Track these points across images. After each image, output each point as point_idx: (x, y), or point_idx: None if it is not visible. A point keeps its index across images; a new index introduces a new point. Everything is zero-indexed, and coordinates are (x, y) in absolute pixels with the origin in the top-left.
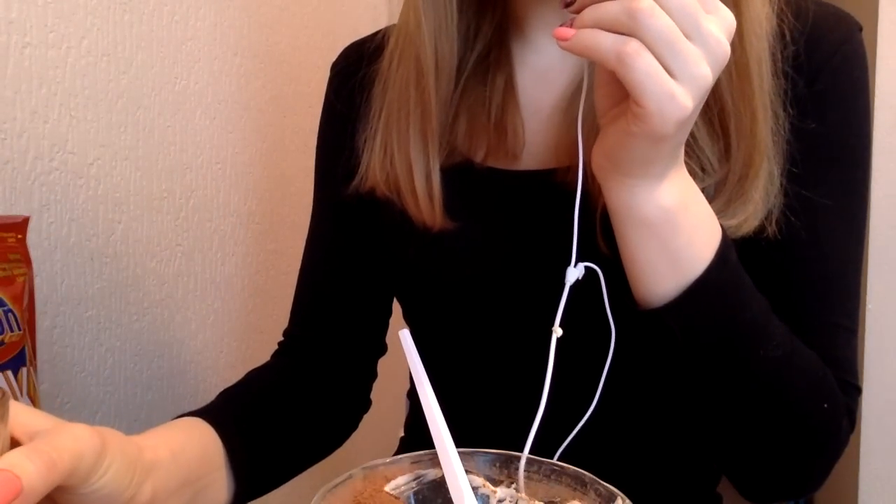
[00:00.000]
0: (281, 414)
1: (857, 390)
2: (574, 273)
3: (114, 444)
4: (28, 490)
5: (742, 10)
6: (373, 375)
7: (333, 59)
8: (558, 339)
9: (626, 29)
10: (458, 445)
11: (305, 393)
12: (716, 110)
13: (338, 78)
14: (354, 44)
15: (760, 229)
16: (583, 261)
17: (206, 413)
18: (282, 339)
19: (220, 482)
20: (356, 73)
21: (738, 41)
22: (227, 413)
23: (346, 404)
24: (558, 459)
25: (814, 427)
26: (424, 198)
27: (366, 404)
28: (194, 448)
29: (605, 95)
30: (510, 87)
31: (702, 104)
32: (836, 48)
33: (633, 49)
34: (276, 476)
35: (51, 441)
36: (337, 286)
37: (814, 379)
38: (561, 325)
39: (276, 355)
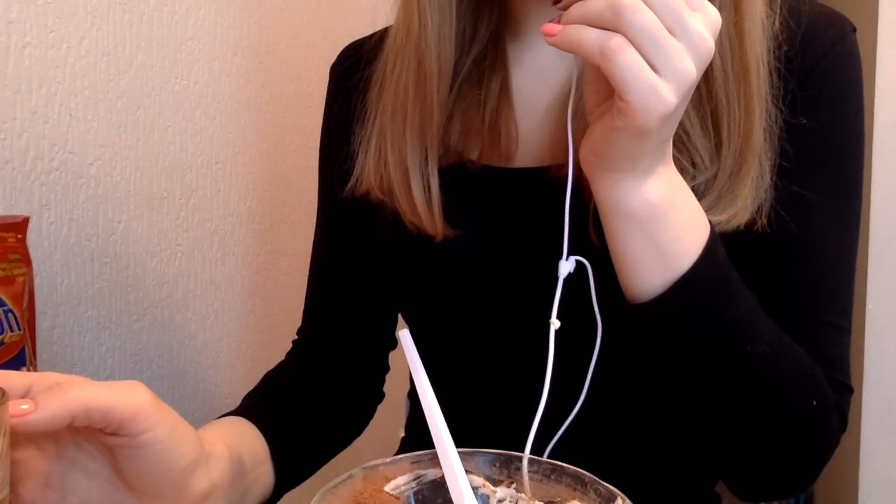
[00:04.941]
0: (306, 409)
1: (849, 389)
2: (566, 266)
3: (166, 410)
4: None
5: (743, 11)
6: (385, 368)
7: (333, 59)
8: (556, 333)
9: (610, 24)
10: (458, 445)
11: (323, 388)
12: (709, 108)
13: (336, 79)
14: (352, 45)
15: (751, 222)
16: (576, 255)
17: (242, 413)
18: (295, 337)
19: (266, 476)
20: (353, 74)
21: (738, 41)
22: (261, 412)
23: (362, 397)
24: (551, 453)
25: (802, 425)
26: (423, 205)
27: (380, 395)
28: (244, 444)
29: (593, 91)
30: (505, 90)
31: (687, 100)
32: (829, 48)
33: (617, 44)
34: (309, 467)
35: (76, 387)
36: (342, 286)
37: (802, 377)
38: (557, 319)
39: (290, 354)
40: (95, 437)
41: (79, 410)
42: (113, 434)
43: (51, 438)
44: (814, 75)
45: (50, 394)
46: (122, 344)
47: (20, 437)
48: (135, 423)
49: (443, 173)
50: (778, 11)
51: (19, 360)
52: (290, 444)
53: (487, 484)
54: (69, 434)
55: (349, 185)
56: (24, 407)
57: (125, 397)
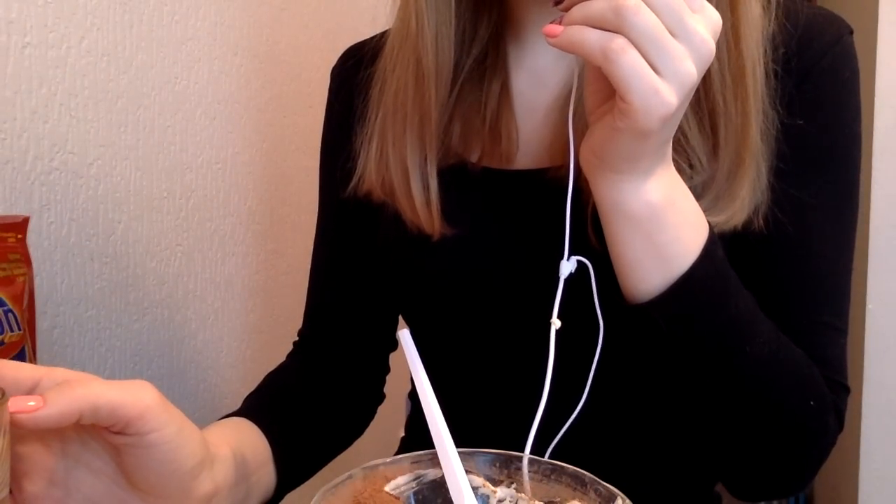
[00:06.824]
0: (307, 410)
1: (846, 389)
2: (567, 266)
3: (173, 410)
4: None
5: (739, 13)
6: (385, 370)
7: (333, 59)
8: (556, 333)
9: (612, 26)
10: (458, 445)
11: (324, 390)
12: (706, 109)
13: (337, 80)
14: (354, 46)
15: (748, 223)
16: (577, 255)
17: (244, 414)
18: (296, 338)
19: (268, 477)
20: (355, 75)
21: (734, 44)
22: (263, 413)
23: (362, 398)
24: (552, 454)
25: (800, 424)
26: (422, 204)
27: (380, 397)
28: (247, 446)
29: (594, 92)
30: (506, 91)
31: (687, 101)
32: (826, 50)
33: (619, 45)
34: (310, 468)
35: (86, 384)
36: (343, 287)
37: (800, 376)
38: (558, 319)
39: (291, 355)
40: (101, 435)
41: (86, 408)
42: (119, 433)
43: (56, 435)
44: (811, 77)
45: (58, 390)
46: (122, 344)
47: (25, 433)
48: (142, 423)
49: (443, 175)
50: (774, 14)
51: (19, 360)
52: (292, 446)
53: (487, 484)
54: (74, 431)
55: (351, 185)
56: (32, 403)
57: (133, 396)
